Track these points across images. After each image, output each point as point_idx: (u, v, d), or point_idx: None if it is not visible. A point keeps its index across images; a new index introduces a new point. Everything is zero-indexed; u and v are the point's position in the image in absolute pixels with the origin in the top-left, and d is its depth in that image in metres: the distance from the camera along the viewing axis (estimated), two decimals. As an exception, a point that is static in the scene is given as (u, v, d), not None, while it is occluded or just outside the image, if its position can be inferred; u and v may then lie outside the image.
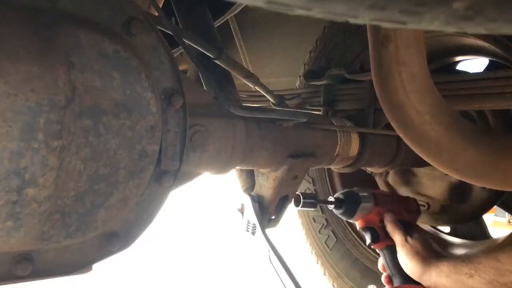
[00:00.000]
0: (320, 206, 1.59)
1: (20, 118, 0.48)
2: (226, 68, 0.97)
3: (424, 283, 0.86)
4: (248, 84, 1.06)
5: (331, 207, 1.00)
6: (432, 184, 1.43)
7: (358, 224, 1.02)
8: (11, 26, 0.49)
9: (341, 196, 1.00)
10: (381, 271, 0.98)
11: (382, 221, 1.00)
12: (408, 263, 0.89)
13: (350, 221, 1.03)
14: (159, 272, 2.64)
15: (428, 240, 0.95)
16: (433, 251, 0.90)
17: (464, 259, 0.84)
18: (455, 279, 0.83)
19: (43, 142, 0.50)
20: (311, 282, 1.57)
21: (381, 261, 0.99)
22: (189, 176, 0.78)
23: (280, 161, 0.91)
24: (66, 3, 0.55)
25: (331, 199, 1.01)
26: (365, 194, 1.00)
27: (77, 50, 0.53)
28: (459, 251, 1.16)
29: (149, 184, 0.66)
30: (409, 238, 0.92)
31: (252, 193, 0.99)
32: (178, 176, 0.70)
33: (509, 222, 3.97)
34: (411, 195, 1.49)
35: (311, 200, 0.99)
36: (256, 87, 1.08)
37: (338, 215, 1.02)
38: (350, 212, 0.98)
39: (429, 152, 0.83)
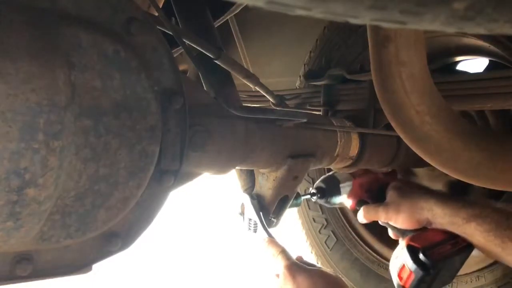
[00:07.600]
0: (320, 206, 1.59)
1: (20, 118, 0.48)
2: (226, 68, 0.97)
3: (428, 226, 0.87)
4: (248, 84, 1.06)
5: (314, 198, 1.00)
6: (432, 184, 1.43)
7: (349, 206, 1.01)
8: (11, 26, 0.49)
9: (322, 184, 1.00)
10: (395, 239, 0.96)
11: (367, 190, 0.99)
12: (402, 223, 0.88)
13: (340, 205, 1.02)
14: (159, 272, 2.64)
15: (406, 186, 0.94)
16: (415, 194, 0.89)
17: (464, 204, 0.83)
18: (449, 221, 0.82)
19: (43, 143, 0.50)
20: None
21: (390, 230, 0.97)
22: (189, 176, 0.78)
23: (280, 161, 0.91)
24: (66, 3, 0.55)
25: (312, 190, 1.00)
26: (341, 172, 1.02)
27: (77, 50, 0.53)
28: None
29: (149, 184, 0.66)
30: (388, 206, 0.91)
31: (252, 193, 0.99)
32: (178, 176, 0.70)
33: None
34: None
35: (296, 199, 0.99)
36: (256, 87, 1.08)
37: (326, 205, 1.01)
38: (335, 195, 0.98)
39: (429, 152, 0.83)
